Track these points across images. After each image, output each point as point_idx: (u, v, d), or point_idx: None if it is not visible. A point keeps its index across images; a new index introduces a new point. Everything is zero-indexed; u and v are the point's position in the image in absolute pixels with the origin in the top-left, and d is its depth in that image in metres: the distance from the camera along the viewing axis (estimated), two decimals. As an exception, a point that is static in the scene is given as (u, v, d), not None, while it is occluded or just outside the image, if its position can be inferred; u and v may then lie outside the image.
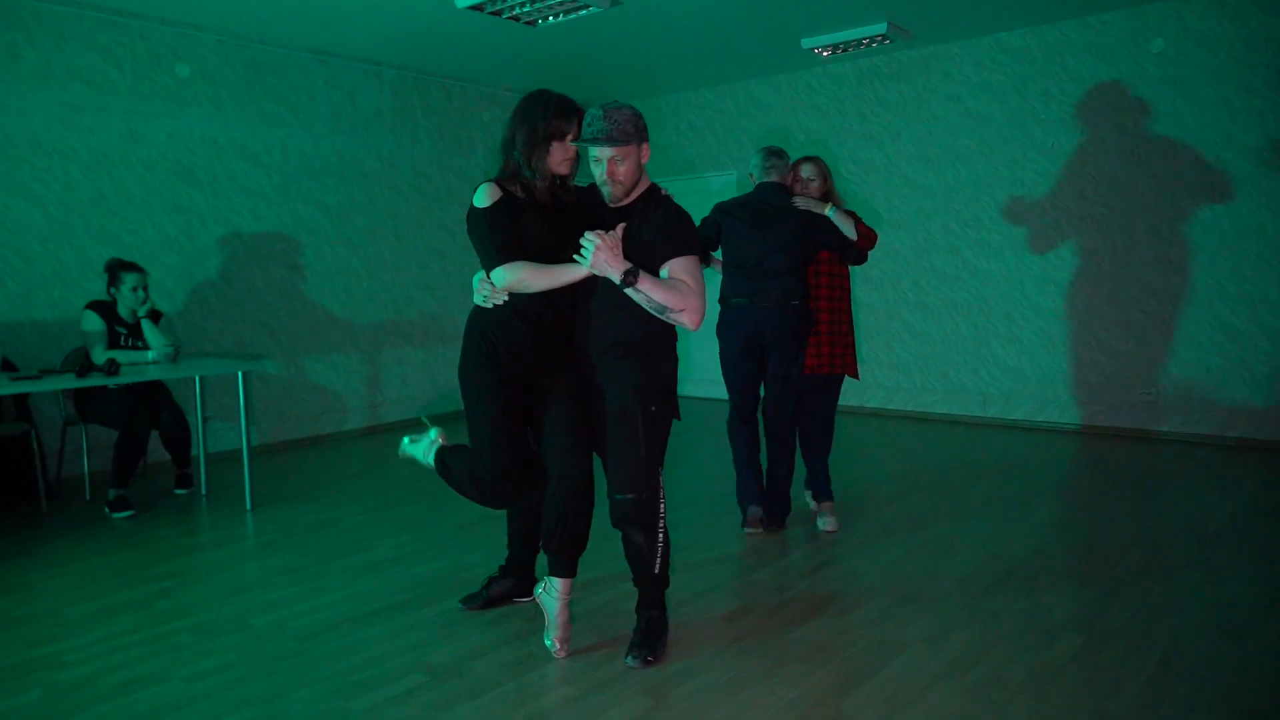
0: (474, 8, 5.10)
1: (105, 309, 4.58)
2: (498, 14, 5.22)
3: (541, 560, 2.99)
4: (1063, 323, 6.10)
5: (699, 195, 7.21)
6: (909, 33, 6.05)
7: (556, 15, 5.30)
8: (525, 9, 5.16)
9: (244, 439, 4.55)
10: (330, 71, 6.31)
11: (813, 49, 6.24)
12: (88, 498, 4.81)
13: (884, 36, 5.93)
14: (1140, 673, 2.50)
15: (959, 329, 6.58)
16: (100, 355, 4.43)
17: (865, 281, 6.93)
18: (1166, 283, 5.67)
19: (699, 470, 5.15)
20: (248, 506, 4.56)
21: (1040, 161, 6.10)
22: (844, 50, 6.29)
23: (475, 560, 3.66)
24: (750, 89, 7.49)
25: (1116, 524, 3.97)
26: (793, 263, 3.72)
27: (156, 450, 5.14)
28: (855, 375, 4.00)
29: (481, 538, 3.96)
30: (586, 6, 5.13)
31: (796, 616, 2.99)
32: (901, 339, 6.89)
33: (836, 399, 4.01)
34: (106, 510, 4.46)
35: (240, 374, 4.52)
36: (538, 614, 2.97)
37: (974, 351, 6.52)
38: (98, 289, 4.82)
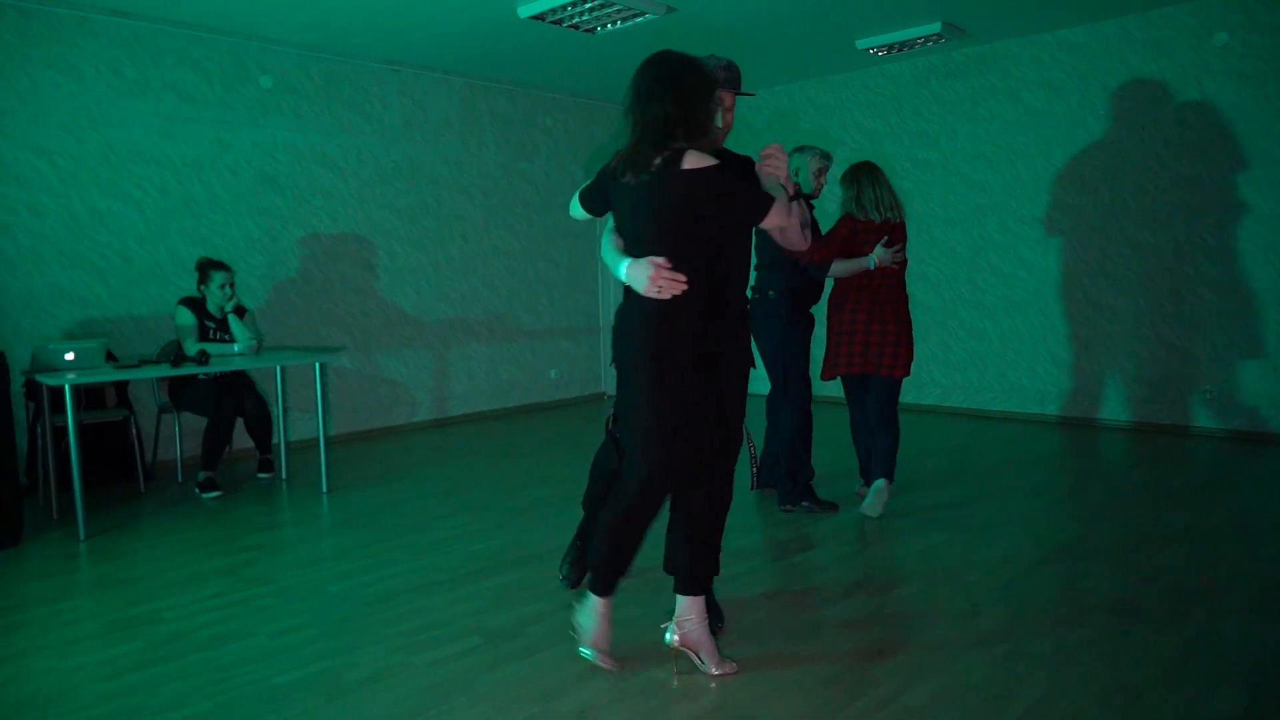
0: (535, 17, 5.34)
1: (196, 304, 4.95)
2: (558, 23, 5.46)
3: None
4: (1122, 320, 6.04)
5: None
6: (964, 31, 6.08)
7: (615, 22, 5.50)
8: (584, 17, 5.38)
9: (320, 426, 4.86)
10: (402, 81, 6.65)
11: (867, 49, 6.32)
12: (180, 480, 5.20)
13: (938, 36, 5.98)
14: (1167, 649, 2.57)
15: (1016, 327, 6.56)
16: (192, 347, 4.79)
17: (922, 280, 6.95)
18: (1230, 279, 5.58)
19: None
20: (324, 490, 4.87)
21: (1100, 158, 6.06)
22: (898, 50, 6.36)
23: (531, 539, 3.88)
24: (807, 89, 7.59)
25: (1165, 514, 3.97)
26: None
27: (242, 437, 5.50)
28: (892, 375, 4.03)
29: (537, 520, 4.18)
30: (643, 14, 5.32)
31: (832, 596, 3.12)
32: (958, 337, 6.89)
33: (883, 395, 4.07)
34: (197, 491, 4.82)
35: (317, 365, 4.83)
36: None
37: (1031, 349, 6.50)
38: (189, 286, 5.21)
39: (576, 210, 2.65)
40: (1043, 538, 3.69)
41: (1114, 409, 6.12)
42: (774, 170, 2.43)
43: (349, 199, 6.40)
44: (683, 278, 2.31)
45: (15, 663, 2.73)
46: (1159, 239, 5.84)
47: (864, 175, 3.99)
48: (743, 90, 2.65)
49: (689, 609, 2.53)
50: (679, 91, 2.30)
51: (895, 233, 3.95)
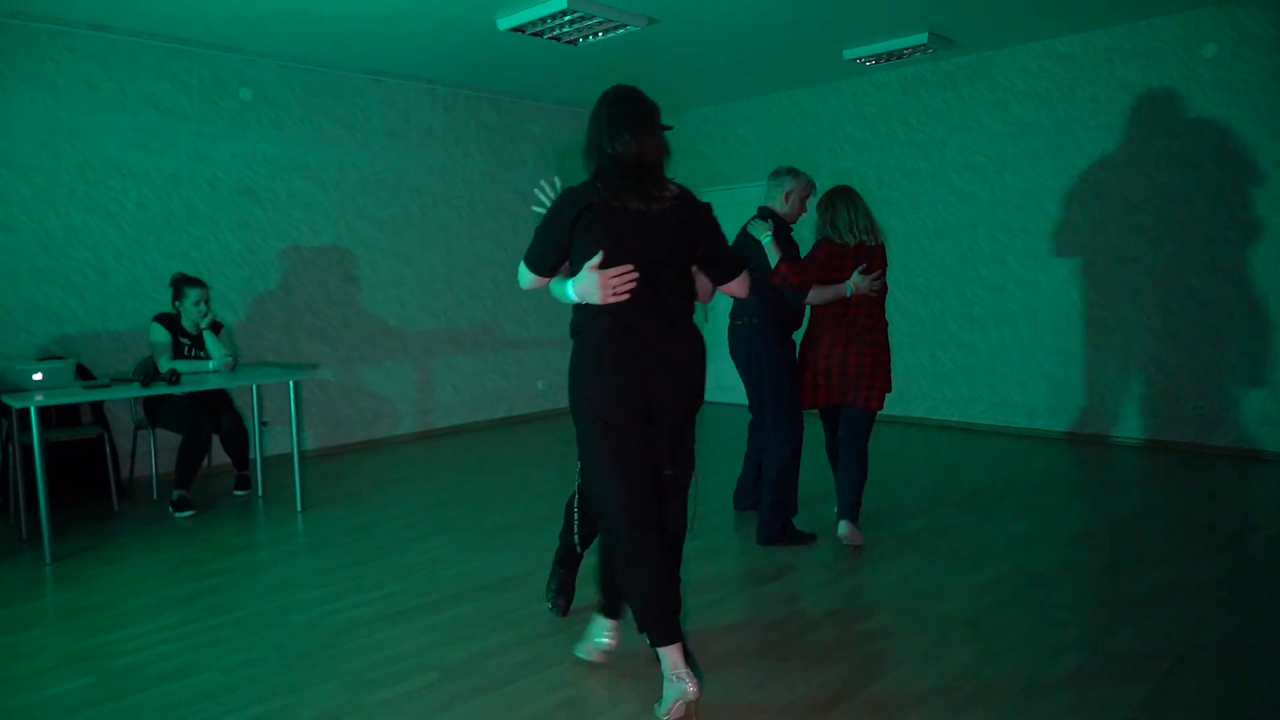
0: (515, 29, 5.28)
1: (170, 321, 4.90)
2: (539, 34, 5.40)
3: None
4: (1111, 334, 5.97)
5: (746, 206, 7.26)
6: (951, 41, 6.01)
7: (596, 34, 5.44)
8: (565, 30, 5.32)
9: (294, 444, 4.82)
10: (385, 91, 6.60)
11: (854, 59, 6.26)
12: (155, 497, 5.16)
13: (925, 46, 5.91)
14: (1133, 697, 2.50)
15: (1005, 340, 6.50)
16: (165, 364, 4.74)
17: (911, 291, 6.89)
18: (1220, 293, 5.51)
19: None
20: (298, 508, 4.82)
21: (1089, 170, 5.99)
22: (886, 60, 6.29)
23: (505, 561, 3.83)
24: (796, 98, 7.52)
25: (1146, 540, 3.91)
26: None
27: (220, 452, 5.45)
28: (862, 404, 3.93)
29: (512, 541, 4.13)
30: (624, 26, 5.26)
31: (800, 629, 3.06)
32: (947, 350, 6.83)
33: (855, 426, 3.96)
34: (170, 510, 4.77)
35: (291, 383, 4.79)
36: (555, 621, 3.12)
37: (1020, 362, 6.43)
38: (166, 302, 5.16)
39: (528, 278, 2.50)
40: (1019, 566, 3.62)
41: (1103, 424, 6.06)
42: None
43: (330, 211, 6.35)
44: (629, 267, 2.32)
45: (-39, 701, 2.68)
46: (1148, 252, 5.77)
47: (839, 199, 3.87)
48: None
49: (678, 658, 2.38)
50: (655, 123, 2.41)
51: (874, 258, 3.86)
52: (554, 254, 2.43)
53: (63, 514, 4.79)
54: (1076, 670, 2.67)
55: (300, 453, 6.16)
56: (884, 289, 3.92)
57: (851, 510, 3.96)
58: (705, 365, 2.52)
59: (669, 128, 2.61)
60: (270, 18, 5.12)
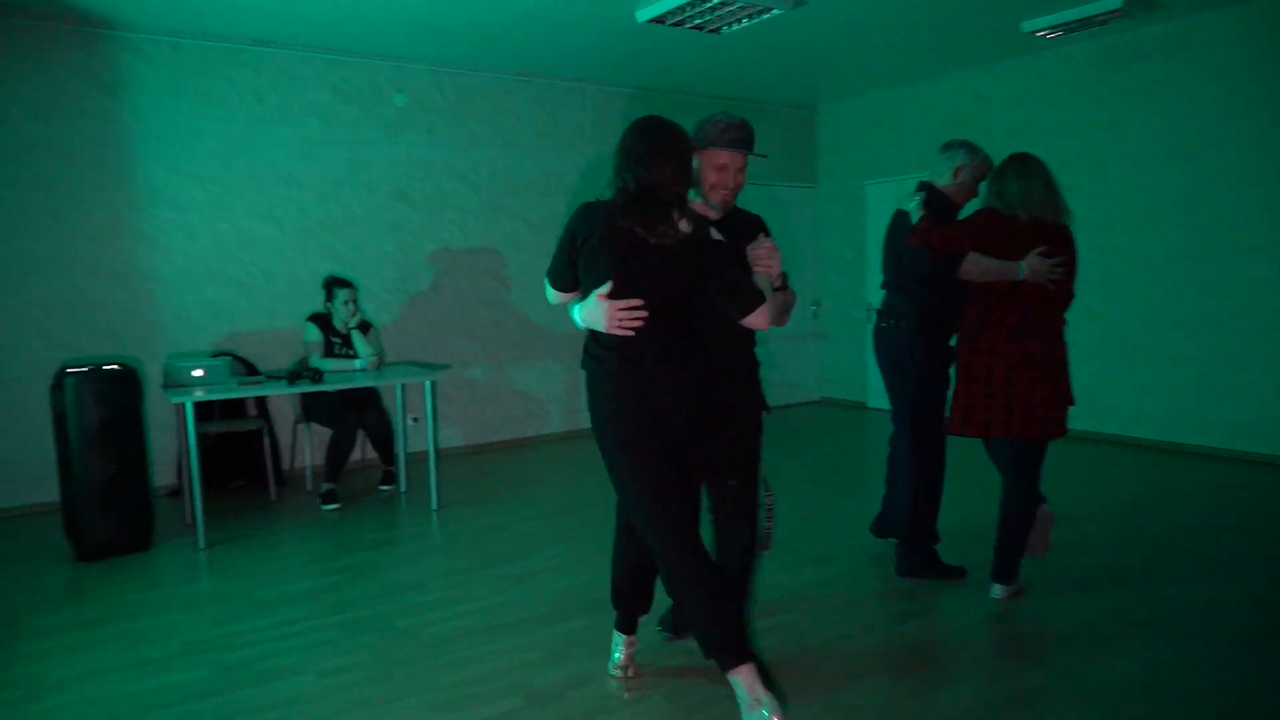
0: (654, 20, 5.10)
1: (323, 320, 5.10)
2: (679, 24, 5.18)
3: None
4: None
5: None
6: (1153, 4, 5.23)
7: (739, 20, 5.15)
8: (705, 18, 5.07)
9: (430, 443, 4.87)
10: (535, 92, 6.61)
11: (1035, 32, 5.59)
12: (309, 488, 5.40)
13: (1119, 11, 5.16)
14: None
15: (1221, 347, 5.58)
16: (316, 362, 4.93)
17: (1103, 290, 6.08)
18: None
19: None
20: (433, 507, 4.87)
21: (1331, 145, 5.02)
22: (1073, 30, 5.57)
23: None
24: (968, 80, 6.86)
25: (1397, 603, 3.15)
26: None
27: (372, 449, 5.64)
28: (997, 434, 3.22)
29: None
30: (768, 10, 4.94)
31: (936, 679, 2.66)
32: (1148, 358, 5.97)
33: (1014, 463, 3.24)
34: (319, 502, 4.97)
35: (427, 384, 4.84)
36: (660, 648, 2.90)
37: (1241, 373, 5.50)
38: (323, 302, 5.38)
39: (552, 293, 2.52)
40: (1220, 624, 3.00)
41: (1346, 449, 5.06)
42: (766, 270, 2.41)
43: (480, 212, 6.44)
44: (639, 302, 2.25)
45: (85, 683, 2.81)
46: None
47: (1012, 166, 3.12)
48: (755, 152, 2.54)
49: (753, 680, 2.22)
50: (675, 153, 2.28)
51: (1054, 240, 3.12)
52: (566, 268, 2.40)
53: (225, 501, 5.10)
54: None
55: (449, 450, 6.34)
56: (1067, 286, 3.15)
57: (1006, 568, 3.27)
58: (712, 392, 2.44)
59: (762, 155, 2.58)
60: (420, 25, 5.23)
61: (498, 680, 2.75)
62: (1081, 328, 6.20)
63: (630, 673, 2.74)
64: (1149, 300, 5.93)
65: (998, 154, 3.33)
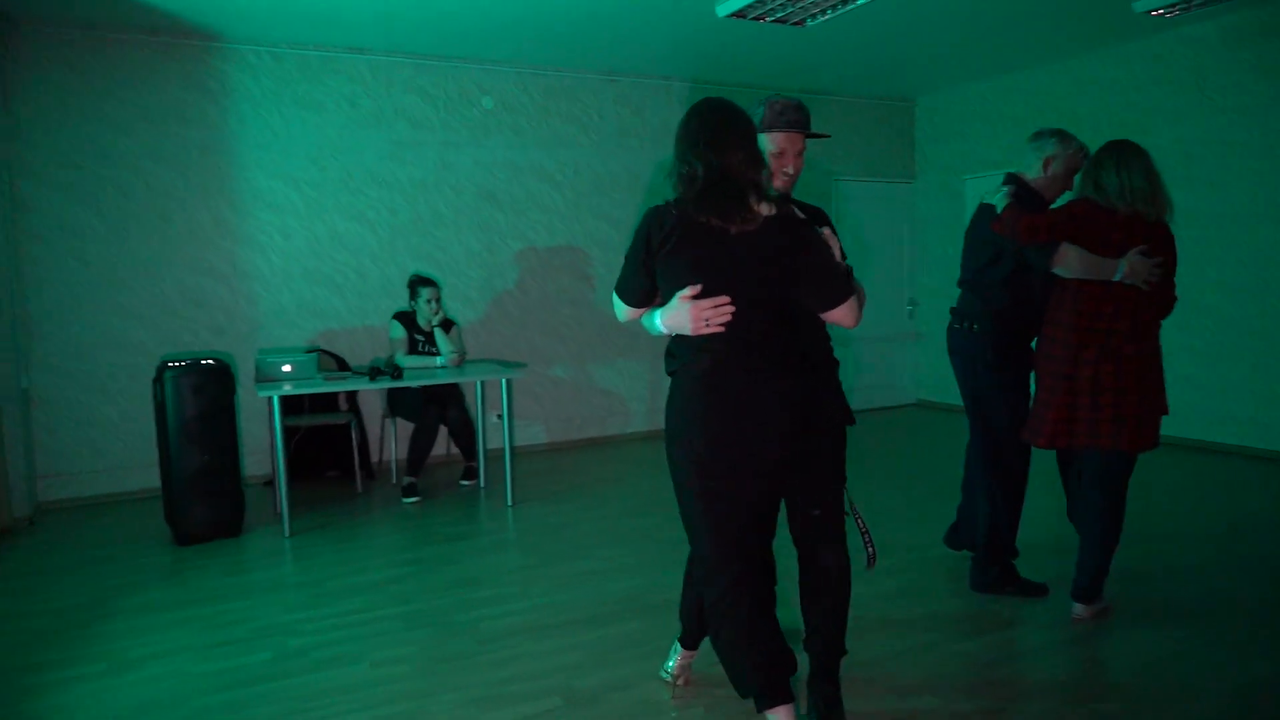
0: (735, 15, 5.00)
1: (407, 318, 5.26)
2: (760, 18, 5.07)
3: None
4: None
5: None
6: (1285, -24, 4.78)
7: (823, 12, 5.00)
8: (787, 10, 4.94)
9: (505, 440, 4.96)
10: (619, 90, 6.62)
11: (1147, 11, 5.19)
12: (394, 480, 5.58)
13: (1244, -14, 4.74)
14: None
15: (1360, 352, 5.06)
16: (399, 359, 5.09)
17: (1224, 289, 5.60)
18: None
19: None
20: (509, 503, 4.94)
21: None
22: (1190, 9, 5.15)
23: (677, 580, 3.58)
24: (1075, 67, 6.44)
25: None
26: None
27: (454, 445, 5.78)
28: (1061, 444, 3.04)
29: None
30: (851, 0, 4.78)
31: (1004, 697, 2.50)
32: (1271, 362, 5.47)
33: (1103, 476, 3.02)
34: (400, 495, 5.12)
35: (503, 382, 4.92)
36: (707, 654, 2.84)
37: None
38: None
39: (622, 309, 2.25)
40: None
41: None
42: None
43: (565, 211, 6.50)
44: (727, 299, 2.04)
45: (160, 662, 2.98)
46: None
47: (1110, 154, 2.90)
48: (814, 132, 2.41)
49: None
50: (744, 137, 2.09)
51: (1154, 239, 2.89)
52: (641, 278, 2.15)
53: (316, 491, 5.33)
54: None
55: (532, 447, 6.44)
56: (1168, 291, 2.92)
57: (1089, 587, 3.05)
58: (812, 408, 2.25)
59: (825, 135, 2.40)
60: (505, 27, 5.31)
61: (539, 680, 2.75)
62: (1198, 328, 5.76)
63: (681, 681, 2.69)
64: (1273, 298, 5.43)
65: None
